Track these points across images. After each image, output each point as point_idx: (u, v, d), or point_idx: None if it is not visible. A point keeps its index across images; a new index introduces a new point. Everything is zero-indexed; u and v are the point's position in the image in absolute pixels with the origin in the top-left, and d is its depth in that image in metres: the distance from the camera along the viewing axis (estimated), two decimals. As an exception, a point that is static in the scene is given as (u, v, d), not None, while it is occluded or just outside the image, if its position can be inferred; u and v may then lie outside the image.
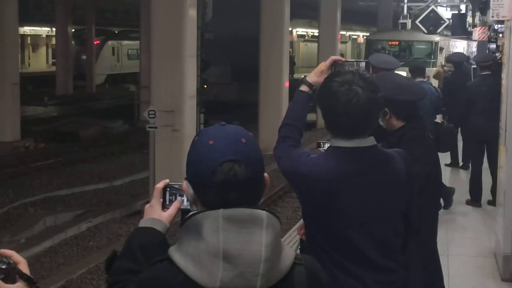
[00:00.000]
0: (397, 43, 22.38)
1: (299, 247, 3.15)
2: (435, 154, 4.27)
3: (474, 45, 21.55)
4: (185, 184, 1.89)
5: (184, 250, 1.76)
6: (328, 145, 2.97)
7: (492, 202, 8.93)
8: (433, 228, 4.45)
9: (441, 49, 22.80)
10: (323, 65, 3.10)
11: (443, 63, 18.07)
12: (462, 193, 9.34)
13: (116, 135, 21.96)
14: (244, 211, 1.75)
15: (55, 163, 16.90)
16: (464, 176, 10.59)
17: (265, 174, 1.90)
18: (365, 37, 50.94)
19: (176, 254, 1.77)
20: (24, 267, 1.77)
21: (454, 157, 11.49)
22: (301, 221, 3.07)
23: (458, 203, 9.11)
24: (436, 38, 22.03)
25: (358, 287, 2.75)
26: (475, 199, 9.34)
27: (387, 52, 20.75)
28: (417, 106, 4.00)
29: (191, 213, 1.82)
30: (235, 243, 1.71)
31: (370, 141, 2.79)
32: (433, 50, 22.49)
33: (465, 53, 18.00)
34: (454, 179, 10.59)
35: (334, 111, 2.73)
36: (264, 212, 1.77)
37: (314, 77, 3.10)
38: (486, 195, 9.35)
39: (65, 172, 16.14)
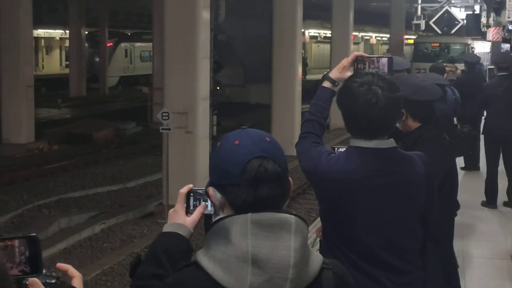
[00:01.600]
0: (437, 44, 25.92)
1: (318, 248, 3.14)
2: (451, 156, 4.25)
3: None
4: (211, 190, 1.88)
5: (212, 255, 1.75)
6: (342, 150, 2.98)
7: (508, 204, 8.89)
8: (449, 230, 4.44)
9: (472, 49, 26.49)
10: (346, 61, 3.10)
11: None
12: (477, 194, 9.28)
13: (129, 137, 22.01)
14: (273, 216, 1.75)
15: (68, 165, 16.96)
16: (478, 177, 10.52)
17: (290, 178, 1.90)
18: (380, 38, 50.90)
19: (203, 258, 1.76)
20: (77, 282, 1.78)
21: (473, 159, 11.26)
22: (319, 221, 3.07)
23: (473, 204, 9.05)
24: (469, 40, 25.78)
25: (376, 287, 2.75)
26: (490, 201, 9.28)
27: (430, 51, 22.83)
28: (433, 107, 3.99)
29: (218, 217, 1.82)
30: (264, 248, 1.70)
31: (390, 142, 2.79)
32: (466, 50, 25.45)
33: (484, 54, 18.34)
34: (469, 180, 10.52)
35: (354, 112, 2.74)
36: (293, 216, 1.77)
37: (336, 73, 3.10)
38: (502, 196, 9.29)
39: (79, 174, 16.20)
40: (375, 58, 3.09)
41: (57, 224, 12.06)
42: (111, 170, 16.79)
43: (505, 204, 9.16)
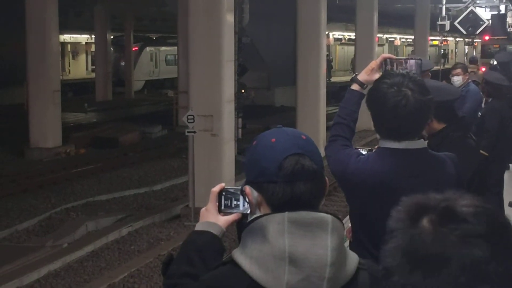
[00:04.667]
0: (498, 46, 27.18)
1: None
2: (478, 155, 4.24)
3: None
4: (248, 189, 1.88)
5: (249, 253, 1.75)
6: (365, 151, 2.97)
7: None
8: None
9: None
10: (374, 63, 3.09)
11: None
12: (506, 194, 9.16)
13: (155, 140, 22.15)
14: (309, 214, 1.75)
15: (95, 169, 17.12)
16: (507, 176, 10.38)
17: (326, 178, 1.90)
18: (404, 40, 50.70)
19: (240, 257, 1.76)
20: None
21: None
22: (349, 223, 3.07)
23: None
24: None
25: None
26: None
27: (492, 51, 24.71)
28: (454, 107, 3.99)
29: (255, 216, 1.82)
30: (300, 246, 1.71)
31: (420, 143, 2.78)
32: None
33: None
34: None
35: (383, 113, 2.73)
36: (329, 215, 1.77)
37: (365, 75, 3.08)
38: (508, 196, 9.18)
39: (105, 177, 16.34)
40: (403, 59, 3.09)
41: (85, 227, 12.18)
42: (137, 173, 16.91)
43: (510, 204, 9.04)
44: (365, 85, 3.08)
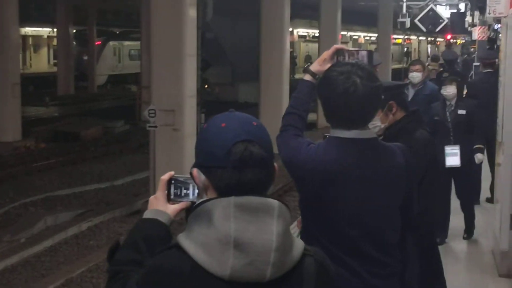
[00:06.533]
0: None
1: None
2: (433, 148, 4.29)
3: None
4: (195, 171, 1.87)
5: (194, 238, 1.74)
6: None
7: (491, 200, 8.94)
8: (431, 223, 4.47)
9: None
10: (326, 54, 3.08)
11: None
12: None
13: (117, 135, 21.98)
14: (256, 199, 1.75)
15: (55, 163, 16.92)
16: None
17: (275, 164, 1.89)
18: (368, 38, 51.06)
19: (185, 241, 1.75)
20: None
21: None
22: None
23: (457, 200, 9.10)
24: None
25: (353, 279, 2.75)
26: (475, 197, 9.33)
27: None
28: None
29: (201, 200, 1.81)
30: (246, 231, 1.71)
31: (370, 133, 2.79)
32: None
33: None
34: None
35: (333, 101, 2.73)
36: (276, 201, 1.77)
37: (317, 66, 3.08)
38: (485, 192, 9.36)
39: (66, 172, 16.17)
40: (354, 51, 3.11)
41: (44, 222, 12.04)
42: (98, 168, 16.77)
43: (488, 200, 9.22)
44: (317, 76, 3.08)
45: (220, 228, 1.71)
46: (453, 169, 7.12)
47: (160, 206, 2.06)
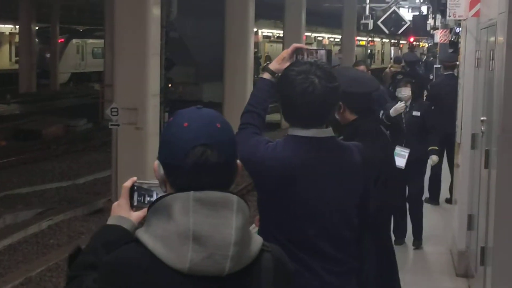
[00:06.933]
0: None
1: None
2: (389, 148, 4.33)
3: None
4: (156, 164, 1.87)
5: (153, 232, 1.74)
6: None
7: (450, 201, 9.08)
8: (387, 221, 4.51)
9: None
10: (285, 53, 3.10)
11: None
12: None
13: (80, 134, 21.78)
14: (215, 194, 1.75)
15: (16, 161, 16.71)
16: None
17: (238, 161, 1.90)
18: (332, 39, 51.33)
19: (144, 235, 1.75)
20: None
21: None
22: None
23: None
24: None
25: (309, 276, 2.77)
26: (433, 198, 9.48)
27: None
28: (370, 99, 4.04)
29: (160, 195, 1.81)
30: (205, 225, 1.71)
31: (327, 132, 2.81)
32: None
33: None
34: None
35: (291, 100, 2.75)
36: (235, 196, 1.78)
37: (276, 64, 3.10)
38: (445, 193, 9.50)
39: (27, 170, 15.97)
40: (314, 50, 3.14)
41: (2, 220, 11.88)
42: (60, 166, 16.60)
43: (447, 201, 9.37)
44: (276, 74, 3.10)
45: (179, 222, 1.71)
46: (405, 170, 7.07)
47: (123, 213, 2.05)
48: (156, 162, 1.88)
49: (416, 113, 7.44)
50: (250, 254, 1.78)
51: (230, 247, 1.71)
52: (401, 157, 6.94)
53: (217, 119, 1.86)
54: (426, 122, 7.49)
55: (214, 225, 1.72)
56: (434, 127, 7.55)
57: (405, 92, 7.39)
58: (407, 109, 7.36)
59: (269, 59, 42.33)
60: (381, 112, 6.83)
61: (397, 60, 15.98)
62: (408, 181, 7.46)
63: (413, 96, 7.54)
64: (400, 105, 6.97)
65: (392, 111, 6.93)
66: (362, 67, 8.25)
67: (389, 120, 6.83)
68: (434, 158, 7.61)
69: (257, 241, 1.83)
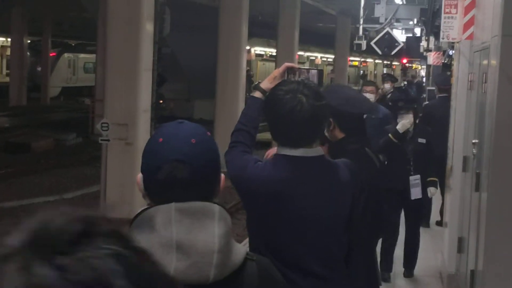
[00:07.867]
0: None
1: None
2: (373, 170, 4.26)
3: None
4: (139, 178, 1.89)
5: None
6: None
7: (440, 223, 9.05)
8: (373, 240, 4.47)
9: None
10: (277, 72, 3.13)
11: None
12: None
13: (69, 148, 21.69)
14: (197, 204, 1.77)
15: (4, 174, 16.59)
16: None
17: (222, 175, 1.90)
18: (325, 59, 51.55)
19: None
20: None
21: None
22: None
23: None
24: None
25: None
26: (424, 220, 9.42)
27: None
28: (362, 120, 4.00)
29: (142, 208, 1.82)
30: (188, 234, 1.72)
31: (317, 151, 2.81)
32: None
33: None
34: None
35: (279, 119, 2.76)
36: (216, 205, 1.79)
37: (267, 83, 3.11)
38: (435, 215, 9.47)
39: (15, 183, 15.85)
40: (305, 69, 3.13)
41: (-12, 233, 11.75)
42: (48, 180, 16.49)
43: (437, 223, 9.33)
44: (267, 93, 3.09)
45: (162, 232, 1.72)
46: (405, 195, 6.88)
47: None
48: (139, 175, 1.90)
49: (421, 140, 7.20)
50: (235, 262, 1.79)
51: (214, 255, 1.72)
52: (415, 187, 6.75)
53: (193, 135, 1.86)
54: (432, 151, 7.27)
55: (197, 234, 1.73)
56: (435, 156, 7.39)
57: (407, 119, 7.14)
58: (410, 135, 7.11)
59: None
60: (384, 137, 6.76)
61: (387, 78, 15.95)
62: (407, 207, 7.18)
63: (415, 122, 7.32)
64: (407, 120, 6.91)
65: (400, 127, 6.87)
66: (371, 88, 8.18)
67: (397, 137, 6.75)
68: (432, 191, 7.31)
69: (241, 250, 1.84)
